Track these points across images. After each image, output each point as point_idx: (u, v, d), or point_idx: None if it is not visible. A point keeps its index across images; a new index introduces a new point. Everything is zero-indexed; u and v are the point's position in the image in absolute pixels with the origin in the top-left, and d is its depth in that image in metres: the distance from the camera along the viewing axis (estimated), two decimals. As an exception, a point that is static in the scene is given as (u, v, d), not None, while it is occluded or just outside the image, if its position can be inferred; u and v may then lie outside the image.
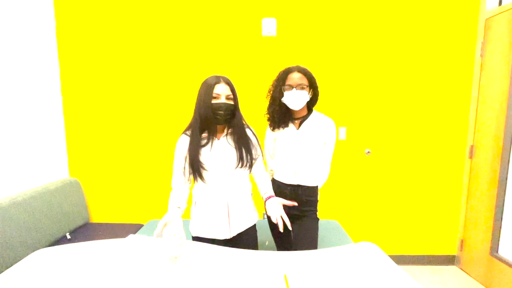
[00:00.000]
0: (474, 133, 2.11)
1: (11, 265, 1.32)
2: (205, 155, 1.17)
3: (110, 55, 2.12)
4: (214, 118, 1.13)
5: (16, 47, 1.76)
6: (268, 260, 1.07)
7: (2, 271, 1.02)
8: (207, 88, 1.13)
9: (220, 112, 1.13)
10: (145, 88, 2.14)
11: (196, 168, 1.16)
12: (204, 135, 1.18)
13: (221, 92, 1.13)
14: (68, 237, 1.89)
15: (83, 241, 1.75)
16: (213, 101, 1.12)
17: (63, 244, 1.42)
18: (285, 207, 1.30)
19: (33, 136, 1.88)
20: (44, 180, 1.95)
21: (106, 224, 2.15)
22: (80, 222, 2.08)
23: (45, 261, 1.05)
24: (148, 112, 2.16)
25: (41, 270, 0.99)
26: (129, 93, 2.15)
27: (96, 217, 2.26)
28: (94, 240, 1.26)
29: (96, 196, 2.24)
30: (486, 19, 2.00)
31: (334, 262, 1.05)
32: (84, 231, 2.02)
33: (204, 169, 1.17)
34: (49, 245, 1.74)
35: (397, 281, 0.92)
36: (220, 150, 1.18)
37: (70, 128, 2.17)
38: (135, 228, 2.02)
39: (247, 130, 1.23)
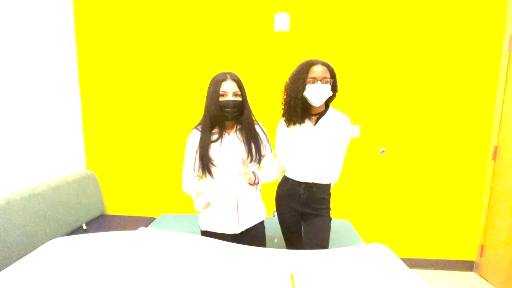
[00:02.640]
0: (499, 133, 1.98)
1: (30, 252, 1.39)
2: (215, 150, 1.18)
3: (126, 53, 2.16)
4: (222, 115, 1.15)
5: (36, 45, 1.83)
6: (275, 257, 1.06)
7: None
8: (214, 86, 1.14)
9: (227, 109, 1.14)
10: (159, 84, 2.18)
11: (205, 164, 1.18)
12: (215, 130, 1.20)
13: (228, 89, 1.14)
14: (84, 227, 1.97)
15: (98, 231, 1.81)
16: (221, 99, 1.13)
17: (79, 234, 1.48)
18: (299, 206, 1.33)
19: (53, 131, 1.96)
20: (63, 172, 2.04)
21: (120, 216, 2.22)
22: (95, 214, 2.16)
23: (59, 249, 1.09)
24: (162, 108, 2.20)
25: (55, 258, 1.03)
26: (143, 90, 2.19)
27: (111, 209, 2.33)
28: (109, 231, 1.30)
29: (111, 189, 2.31)
30: (516, 11, 1.87)
31: (342, 263, 1.02)
32: (100, 222, 2.10)
33: (213, 165, 1.18)
34: (66, 235, 1.82)
35: (408, 285, 0.89)
36: (229, 145, 1.19)
37: (87, 124, 2.25)
38: (147, 221, 2.07)
39: (256, 127, 1.24)
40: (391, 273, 0.96)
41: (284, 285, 0.88)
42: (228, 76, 1.15)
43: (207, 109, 1.18)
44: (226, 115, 1.15)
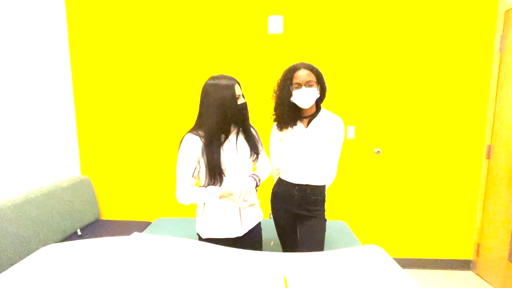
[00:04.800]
0: (492, 132, 2.00)
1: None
2: (225, 157, 1.16)
3: (120, 56, 2.16)
4: (241, 118, 1.17)
5: (29, 47, 1.82)
6: (269, 261, 1.05)
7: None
8: (228, 90, 1.11)
9: (244, 112, 1.17)
10: (153, 88, 2.17)
11: (217, 173, 1.14)
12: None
13: (239, 93, 1.16)
14: (79, 233, 1.95)
15: (93, 237, 1.80)
16: (238, 102, 1.15)
17: (74, 240, 1.46)
18: (294, 208, 1.34)
19: (46, 135, 1.95)
20: (57, 177, 2.02)
21: (116, 221, 2.20)
22: (90, 219, 2.14)
23: (51, 256, 1.08)
24: (157, 111, 2.19)
25: (47, 265, 1.02)
26: (138, 94, 2.18)
27: (106, 214, 2.31)
28: (104, 236, 1.29)
29: (106, 194, 2.29)
30: (506, 10, 1.88)
31: (336, 265, 1.02)
32: (94, 227, 2.08)
33: (224, 175, 1.17)
34: (61, 241, 1.80)
35: (401, 286, 0.89)
36: (235, 148, 1.21)
37: (81, 128, 2.24)
38: (143, 225, 2.06)
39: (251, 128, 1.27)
40: (384, 274, 0.96)
41: (277, 288, 0.88)
42: (235, 81, 1.16)
43: (217, 115, 1.11)
44: (244, 117, 1.18)
